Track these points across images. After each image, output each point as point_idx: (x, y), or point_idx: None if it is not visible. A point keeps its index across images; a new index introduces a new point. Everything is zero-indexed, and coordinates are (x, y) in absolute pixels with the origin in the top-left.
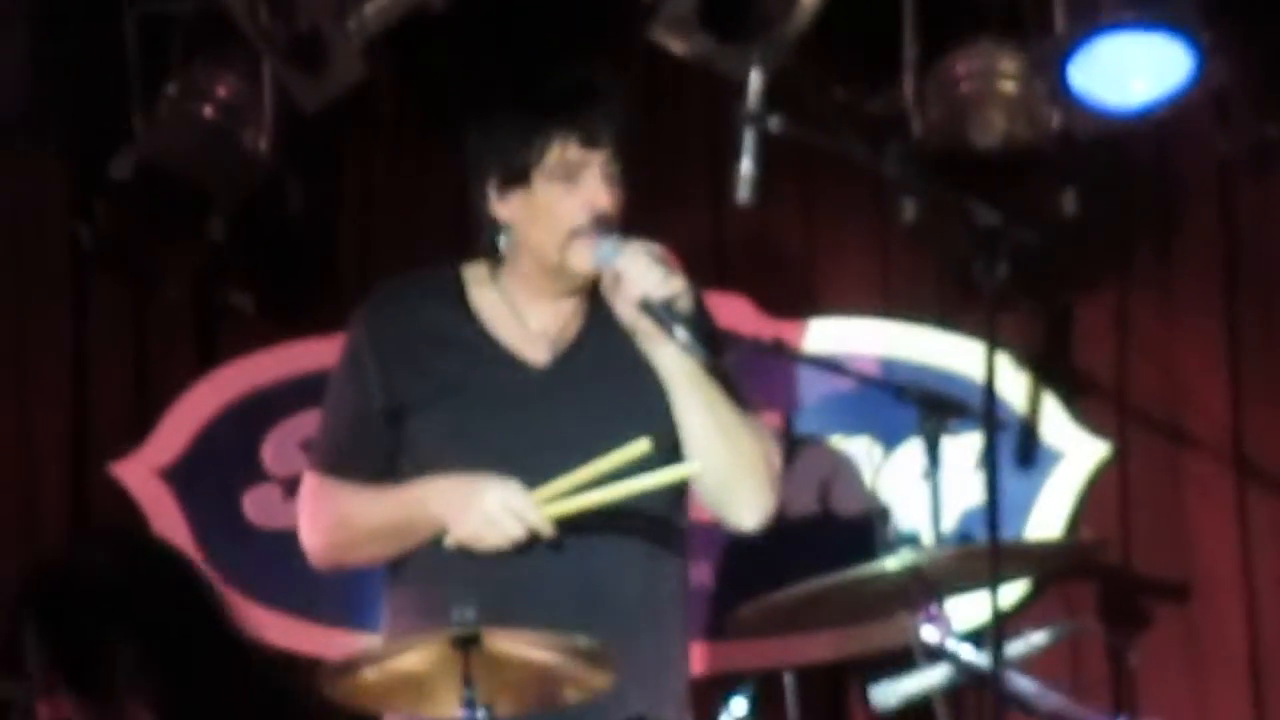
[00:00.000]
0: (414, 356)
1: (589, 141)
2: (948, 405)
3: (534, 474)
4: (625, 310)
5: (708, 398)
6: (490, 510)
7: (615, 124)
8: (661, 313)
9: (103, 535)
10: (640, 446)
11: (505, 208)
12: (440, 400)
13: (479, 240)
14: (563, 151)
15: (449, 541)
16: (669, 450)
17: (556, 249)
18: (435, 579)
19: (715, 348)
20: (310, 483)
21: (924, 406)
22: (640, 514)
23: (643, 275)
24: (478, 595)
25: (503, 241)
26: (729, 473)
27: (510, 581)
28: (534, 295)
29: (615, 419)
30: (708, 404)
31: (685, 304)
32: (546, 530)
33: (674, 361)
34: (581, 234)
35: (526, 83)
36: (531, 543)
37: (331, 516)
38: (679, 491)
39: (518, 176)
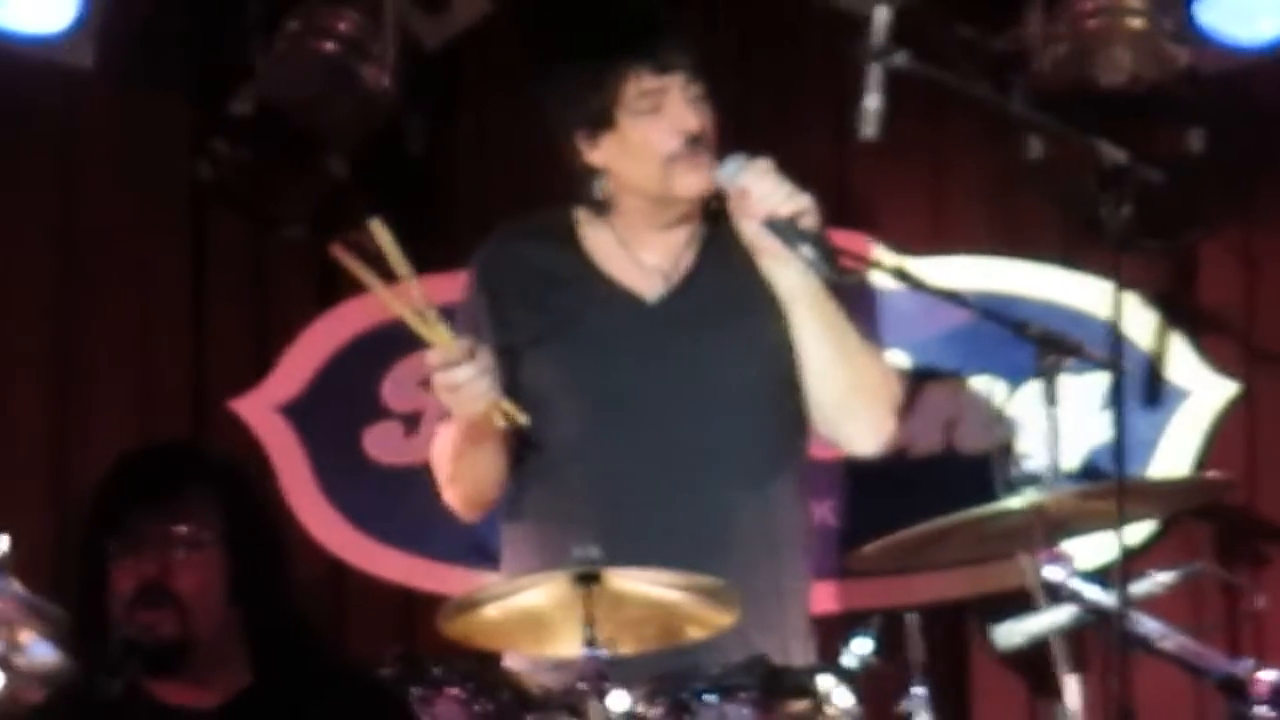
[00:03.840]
0: (526, 294)
1: (661, 67)
2: (1065, 344)
3: (645, 408)
4: (748, 228)
5: (829, 318)
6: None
7: (683, 44)
8: (786, 229)
9: None
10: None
11: (598, 153)
12: (553, 337)
13: (577, 193)
14: (638, 83)
15: None
16: (785, 383)
17: (658, 180)
18: (552, 516)
19: (838, 267)
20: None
21: (1042, 344)
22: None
23: (769, 192)
24: (594, 532)
25: (599, 189)
26: (849, 395)
27: (626, 518)
28: (643, 230)
29: (727, 353)
30: (829, 324)
31: (811, 221)
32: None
33: (797, 280)
34: (678, 158)
35: (588, 27)
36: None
37: (436, 460)
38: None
39: (603, 119)
